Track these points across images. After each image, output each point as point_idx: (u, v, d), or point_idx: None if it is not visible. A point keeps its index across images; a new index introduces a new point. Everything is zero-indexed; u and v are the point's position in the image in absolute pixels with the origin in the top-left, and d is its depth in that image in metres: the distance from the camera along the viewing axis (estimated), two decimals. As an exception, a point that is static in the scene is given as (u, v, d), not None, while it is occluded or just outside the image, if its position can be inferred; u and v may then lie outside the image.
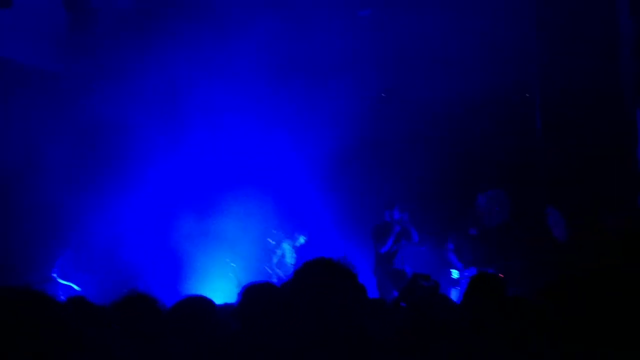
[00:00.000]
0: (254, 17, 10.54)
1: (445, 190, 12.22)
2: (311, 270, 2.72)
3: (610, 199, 10.10)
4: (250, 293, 3.72)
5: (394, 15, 11.05)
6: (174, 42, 11.45)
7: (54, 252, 11.09)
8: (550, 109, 10.83)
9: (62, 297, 10.42)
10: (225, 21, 10.93)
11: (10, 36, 10.47)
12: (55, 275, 10.85)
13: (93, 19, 9.61)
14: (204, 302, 3.81)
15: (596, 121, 10.22)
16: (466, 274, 10.87)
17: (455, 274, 11.15)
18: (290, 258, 11.93)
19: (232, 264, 11.82)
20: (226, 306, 5.64)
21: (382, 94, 13.01)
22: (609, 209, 9.98)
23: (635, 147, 9.86)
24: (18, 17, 9.62)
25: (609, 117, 10.15)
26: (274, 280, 11.68)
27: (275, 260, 11.96)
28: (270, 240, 12.03)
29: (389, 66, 12.29)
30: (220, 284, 11.82)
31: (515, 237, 11.31)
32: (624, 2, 9.80)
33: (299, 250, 11.94)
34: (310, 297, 2.62)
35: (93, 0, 9.54)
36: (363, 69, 12.22)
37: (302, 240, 12.01)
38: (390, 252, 10.73)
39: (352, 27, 11.43)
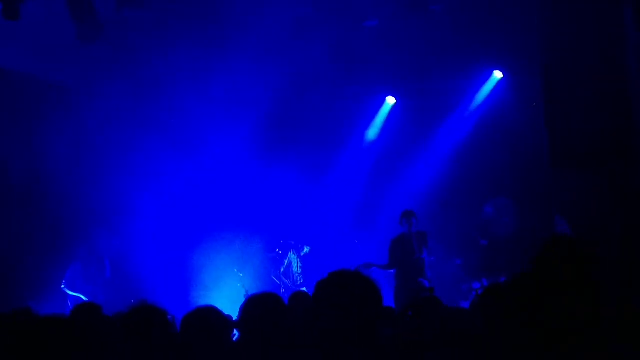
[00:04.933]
0: (260, 34, 10.47)
1: (452, 199, 12.19)
2: (334, 280, 2.76)
3: (618, 209, 10.03)
4: (253, 304, 3.75)
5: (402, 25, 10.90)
6: (182, 60, 11.37)
7: (63, 264, 11.08)
8: (558, 117, 10.73)
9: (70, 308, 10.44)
10: (233, 36, 10.84)
11: (17, 48, 10.49)
12: (63, 286, 10.86)
13: (100, 30, 9.59)
14: (214, 313, 3.81)
15: (603, 130, 10.12)
16: (475, 286, 10.77)
17: (466, 287, 11.07)
18: (296, 267, 12.01)
19: (240, 274, 11.85)
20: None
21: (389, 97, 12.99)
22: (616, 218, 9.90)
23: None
24: (25, 28, 9.62)
25: (616, 126, 10.05)
26: (282, 289, 11.74)
27: (282, 269, 12.03)
28: (278, 250, 12.07)
29: (396, 74, 12.26)
30: (228, 293, 11.82)
31: (524, 246, 11.23)
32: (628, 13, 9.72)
33: (304, 260, 12.03)
34: (332, 305, 2.66)
35: (100, 11, 9.50)
36: (370, 78, 12.21)
37: (306, 250, 12.09)
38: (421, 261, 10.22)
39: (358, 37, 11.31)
